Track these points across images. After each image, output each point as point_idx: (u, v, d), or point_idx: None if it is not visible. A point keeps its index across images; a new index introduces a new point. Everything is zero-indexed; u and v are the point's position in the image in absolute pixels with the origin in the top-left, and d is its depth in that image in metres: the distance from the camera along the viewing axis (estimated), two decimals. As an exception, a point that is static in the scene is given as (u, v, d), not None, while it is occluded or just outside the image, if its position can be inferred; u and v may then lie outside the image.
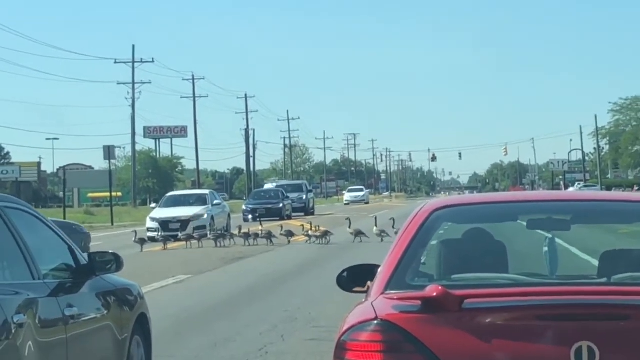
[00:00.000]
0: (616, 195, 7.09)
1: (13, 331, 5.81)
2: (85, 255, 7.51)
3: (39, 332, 6.17)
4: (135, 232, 32.43)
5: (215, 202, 39.14)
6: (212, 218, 36.86)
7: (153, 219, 36.38)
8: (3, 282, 6.32)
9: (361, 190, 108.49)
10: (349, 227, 31.45)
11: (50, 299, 6.54)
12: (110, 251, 7.93)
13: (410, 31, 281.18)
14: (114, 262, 7.51)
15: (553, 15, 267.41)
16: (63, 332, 6.58)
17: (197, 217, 36.31)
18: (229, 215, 40.45)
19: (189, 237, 31.80)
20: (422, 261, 5.33)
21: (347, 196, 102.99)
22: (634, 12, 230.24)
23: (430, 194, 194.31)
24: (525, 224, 5.77)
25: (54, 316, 6.53)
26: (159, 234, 33.32)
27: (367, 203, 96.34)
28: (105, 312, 7.51)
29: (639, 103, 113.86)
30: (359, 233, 30.56)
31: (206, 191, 43.85)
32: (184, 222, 35.54)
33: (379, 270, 5.22)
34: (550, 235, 5.83)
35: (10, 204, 6.80)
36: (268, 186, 62.43)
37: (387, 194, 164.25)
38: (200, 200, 39.05)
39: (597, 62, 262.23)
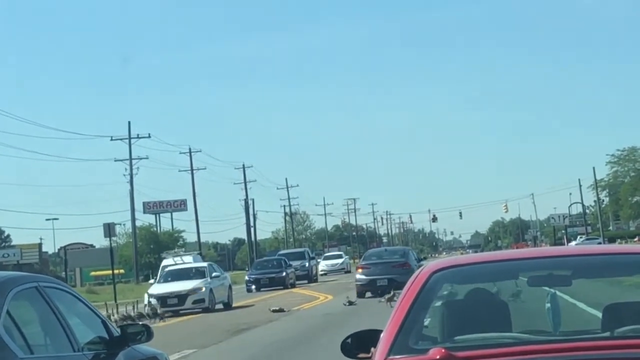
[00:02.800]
0: (616, 248, 7.09)
1: None
2: (118, 327, 8.12)
3: None
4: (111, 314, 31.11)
5: (214, 274, 38.66)
6: (211, 291, 36.67)
7: (151, 295, 36.16)
8: (48, 355, 6.90)
9: (339, 256, 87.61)
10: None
11: None
12: (141, 322, 8.38)
13: (406, 93, 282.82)
14: (144, 332, 8.06)
15: (548, 70, 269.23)
16: None
17: (195, 290, 36.13)
18: (229, 287, 40.19)
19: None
20: (425, 324, 5.29)
21: (322, 265, 79.52)
22: (630, 64, 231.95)
23: (432, 255, 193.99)
24: (526, 280, 5.76)
25: None
26: (158, 309, 33.30)
27: (349, 272, 74.64)
28: None
29: (636, 153, 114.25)
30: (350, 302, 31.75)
31: (204, 264, 43.55)
32: (181, 297, 35.44)
33: (382, 335, 5.19)
34: (552, 291, 5.81)
35: (50, 283, 7.46)
36: (167, 261, 50.32)
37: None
38: (199, 273, 38.49)
39: (593, 115, 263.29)
